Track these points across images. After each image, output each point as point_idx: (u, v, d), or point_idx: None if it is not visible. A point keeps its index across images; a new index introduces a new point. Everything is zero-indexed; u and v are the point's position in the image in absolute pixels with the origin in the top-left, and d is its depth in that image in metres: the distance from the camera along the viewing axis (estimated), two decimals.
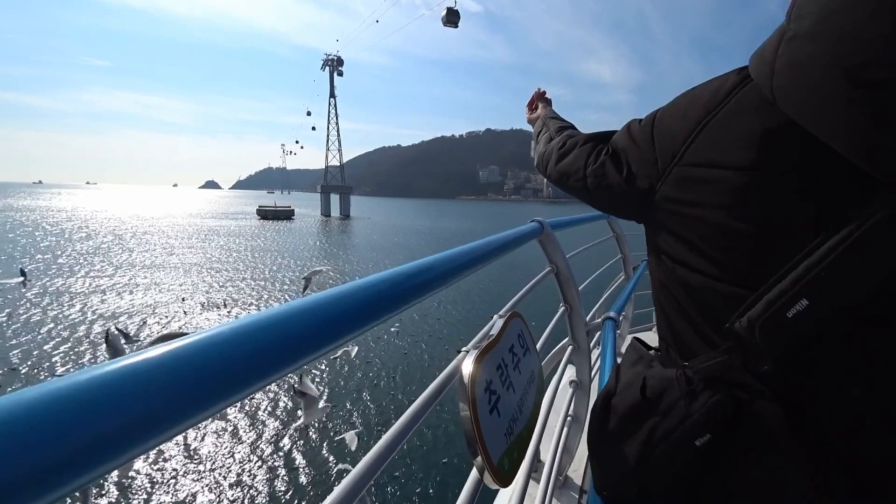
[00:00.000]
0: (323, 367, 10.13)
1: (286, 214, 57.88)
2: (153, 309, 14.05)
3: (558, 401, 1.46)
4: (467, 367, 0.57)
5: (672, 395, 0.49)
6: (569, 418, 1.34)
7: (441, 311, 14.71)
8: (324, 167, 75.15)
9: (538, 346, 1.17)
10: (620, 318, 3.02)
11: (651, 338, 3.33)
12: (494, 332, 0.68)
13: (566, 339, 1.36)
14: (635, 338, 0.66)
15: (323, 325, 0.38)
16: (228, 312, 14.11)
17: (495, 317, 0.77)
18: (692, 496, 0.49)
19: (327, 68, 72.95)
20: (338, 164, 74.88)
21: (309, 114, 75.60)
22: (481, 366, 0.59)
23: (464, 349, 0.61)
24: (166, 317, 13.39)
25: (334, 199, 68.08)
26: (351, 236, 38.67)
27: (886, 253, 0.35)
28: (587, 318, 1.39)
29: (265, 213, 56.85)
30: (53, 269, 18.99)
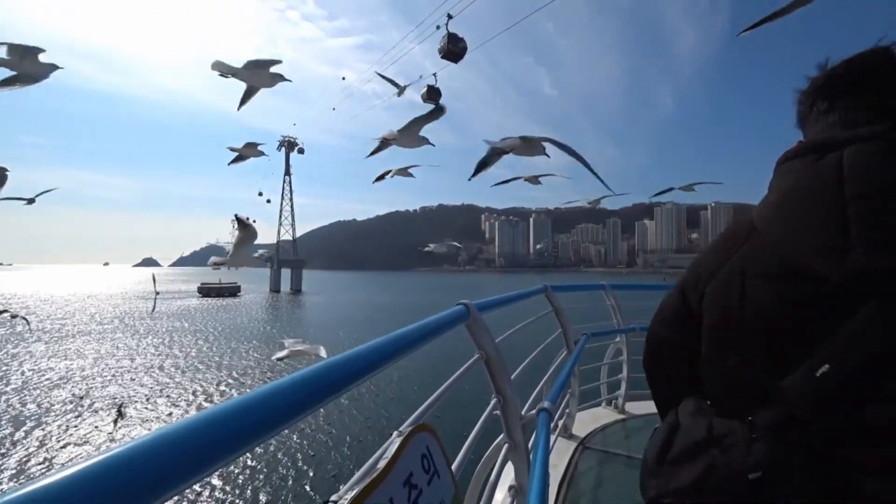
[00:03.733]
0: None
1: (231, 291, 54.94)
2: (32, 411, 11.65)
3: None
4: None
5: (734, 437, 0.60)
6: None
7: (334, 424, 10.55)
8: (275, 242, 73.54)
9: (467, 443, 1.03)
10: (565, 399, 2.91)
11: (600, 413, 3.23)
12: (384, 462, 0.57)
13: (501, 436, 1.24)
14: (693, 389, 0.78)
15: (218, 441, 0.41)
16: (118, 416, 11.54)
17: (394, 434, 0.66)
18: None
19: (283, 148, 75.14)
20: (290, 238, 73.84)
21: (261, 194, 74.39)
22: None
23: (333, 497, 0.48)
24: (45, 419, 11.10)
25: (285, 273, 65.95)
26: (300, 312, 36.43)
27: (872, 336, 0.52)
28: (523, 410, 1.29)
29: (207, 291, 53.56)
30: None
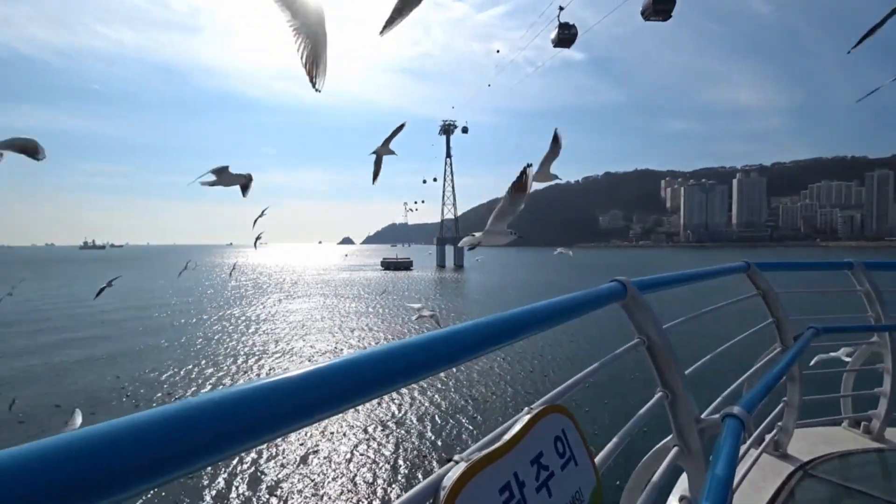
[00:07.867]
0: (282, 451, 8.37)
1: (405, 265, 64.83)
2: (279, 336, 18.78)
3: None
4: (448, 482, 0.43)
5: None
6: None
7: (466, 388, 10.46)
8: (440, 220, 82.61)
9: (618, 436, 0.90)
10: (777, 408, 2.26)
11: (836, 434, 2.37)
12: (510, 434, 0.53)
13: (669, 437, 1.03)
14: None
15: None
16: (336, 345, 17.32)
17: (524, 410, 0.61)
18: None
19: (444, 134, 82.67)
20: (452, 217, 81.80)
21: (424, 182, 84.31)
22: (473, 484, 0.44)
23: (455, 457, 0.48)
24: (287, 342, 17.40)
25: (448, 250, 73.06)
26: (458, 286, 42.07)
27: None
28: (705, 413, 1.04)
29: (388, 265, 64.82)
30: (210, 304, 27.40)
